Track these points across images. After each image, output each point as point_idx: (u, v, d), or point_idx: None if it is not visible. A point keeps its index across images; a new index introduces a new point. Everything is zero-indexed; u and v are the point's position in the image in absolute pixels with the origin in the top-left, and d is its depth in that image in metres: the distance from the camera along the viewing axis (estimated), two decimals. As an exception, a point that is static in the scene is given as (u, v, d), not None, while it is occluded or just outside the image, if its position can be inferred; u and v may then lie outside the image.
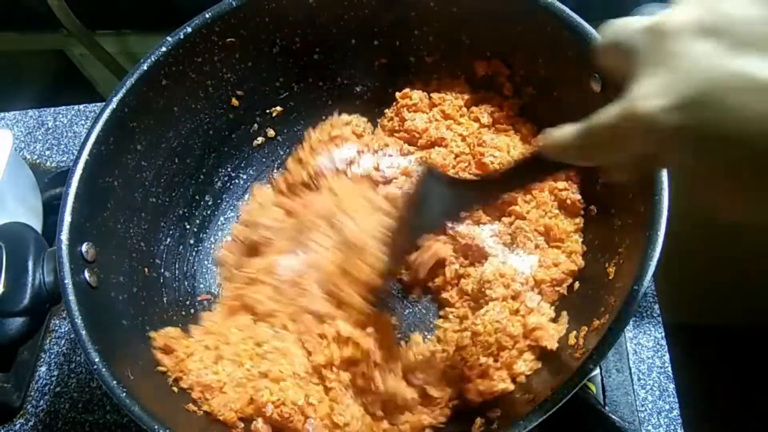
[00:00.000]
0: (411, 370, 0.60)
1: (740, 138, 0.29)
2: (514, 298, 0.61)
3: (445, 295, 0.65)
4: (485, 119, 0.70)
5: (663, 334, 0.70)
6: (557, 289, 0.62)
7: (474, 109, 0.72)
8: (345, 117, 0.76)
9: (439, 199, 0.50)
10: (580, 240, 0.63)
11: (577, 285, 0.61)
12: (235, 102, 0.73)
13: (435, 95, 0.72)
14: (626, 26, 0.34)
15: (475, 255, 0.65)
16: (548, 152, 0.38)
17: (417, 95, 0.72)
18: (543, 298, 0.61)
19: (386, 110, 0.75)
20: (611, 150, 0.35)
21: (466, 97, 0.72)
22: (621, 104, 0.32)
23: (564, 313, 0.60)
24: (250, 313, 0.65)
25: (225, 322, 0.65)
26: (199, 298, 0.70)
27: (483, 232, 0.65)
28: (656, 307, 0.71)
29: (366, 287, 0.62)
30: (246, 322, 0.64)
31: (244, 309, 0.65)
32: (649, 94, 0.31)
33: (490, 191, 0.49)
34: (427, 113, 0.72)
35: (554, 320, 0.60)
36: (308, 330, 0.62)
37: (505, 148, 0.67)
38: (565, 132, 0.36)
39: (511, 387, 0.57)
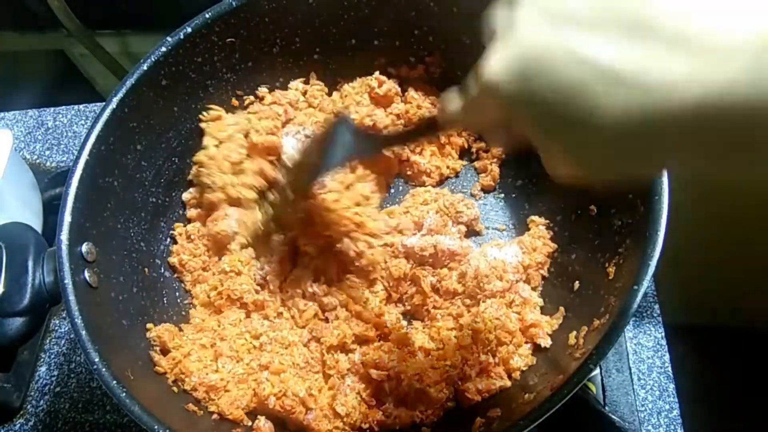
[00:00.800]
0: (414, 354, 0.60)
1: (559, 104, 0.29)
2: (508, 289, 0.62)
3: (427, 306, 0.64)
4: None
5: (663, 334, 0.70)
6: (540, 272, 0.64)
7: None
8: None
9: (344, 144, 0.56)
10: (544, 226, 0.66)
11: (577, 285, 0.61)
12: (235, 102, 0.73)
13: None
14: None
15: (446, 259, 0.65)
16: (442, 121, 0.43)
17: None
18: (531, 285, 0.63)
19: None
20: (479, 116, 0.38)
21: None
22: (479, 72, 0.34)
23: (561, 309, 0.61)
24: (239, 306, 0.65)
25: (215, 318, 0.65)
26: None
27: (444, 238, 0.65)
28: (656, 307, 0.71)
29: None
30: (238, 316, 0.64)
31: (230, 303, 0.65)
32: (491, 63, 0.32)
33: (390, 142, 0.57)
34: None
35: (546, 312, 0.61)
36: (303, 314, 0.63)
37: None
38: (452, 105, 0.40)
39: (508, 383, 0.57)
